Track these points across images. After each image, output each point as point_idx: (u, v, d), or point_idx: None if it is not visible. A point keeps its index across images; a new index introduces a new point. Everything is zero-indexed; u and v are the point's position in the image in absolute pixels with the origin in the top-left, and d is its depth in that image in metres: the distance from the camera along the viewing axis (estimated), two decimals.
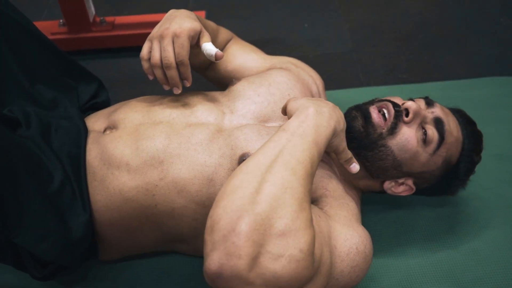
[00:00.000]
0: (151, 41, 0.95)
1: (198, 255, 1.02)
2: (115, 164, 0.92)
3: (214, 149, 0.92)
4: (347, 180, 1.02)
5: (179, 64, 0.93)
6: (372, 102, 0.99)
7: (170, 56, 0.92)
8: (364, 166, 0.98)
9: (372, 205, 1.17)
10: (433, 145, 0.96)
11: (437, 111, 0.97)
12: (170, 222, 0.93)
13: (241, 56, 1.18)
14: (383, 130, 0.94)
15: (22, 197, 0.80)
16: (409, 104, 0.94)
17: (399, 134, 0.94)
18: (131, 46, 1.67)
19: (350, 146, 0.93)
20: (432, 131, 0.95)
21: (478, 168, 1.09)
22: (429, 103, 0.99)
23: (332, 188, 0.92)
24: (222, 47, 1.19)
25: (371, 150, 0.95)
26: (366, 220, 1.01)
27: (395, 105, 0.95)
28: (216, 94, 1.06)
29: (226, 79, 1.16)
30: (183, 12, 0.99)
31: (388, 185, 1.02)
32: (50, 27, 1.66)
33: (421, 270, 1.04)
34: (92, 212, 0.92)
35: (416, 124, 0.95)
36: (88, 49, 1.67)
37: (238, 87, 1.04)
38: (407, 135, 0.94)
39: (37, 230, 0.83)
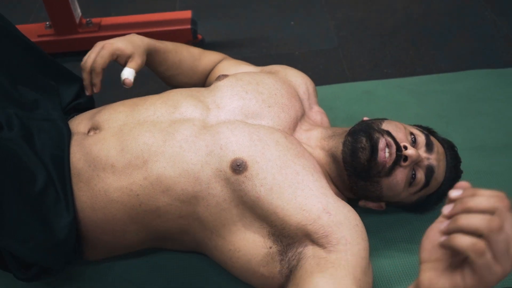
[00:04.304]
0: None
1: (184, 250, 1.03)
2: (101, 166, 0.91)
3: (201, 146, 0.91)
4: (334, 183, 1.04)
5: (92, 70, 1.05)
6: (381, 132, 0.97)
7: (87, 61, 1.06)
8: (351, 188, 1.02)
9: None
10: (416, 188, 1.00)
11: (432, 158, 0.99)
12: (155, 221, 0.93)
13: (233, 68, 1.22)
14: (382, 170, 0.95)
15: (3, 200, 0.80)
16: (410, 153, 0.94)
17: (393, 176, 0.96)
18: None
19: (346, 168, 0.98)
20: (421, 176, 0.99)
21: (462, 159, 1.11)
22: (429, 146, 1.00)
23: (335, 210, 0.88)
24: (209, 68, 1.28)
25: (364, 180, 0.98)
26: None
27: (398, 148, 0.95)
28: (202, 90, 1.05)
29: None
30: (132, 37, 1.12)
31: (362, 203, 1.07)
32: (37, 30, 1.66)
33: (407, 261, 1.05)
34: (77, 213, 0.92)
35: (410, 167, 0.97)
36: (75, 51, 1.67)
37: (225, 83, 1.04)
38: (399, 178, 0.96)
39: (19, 232, 0.82)
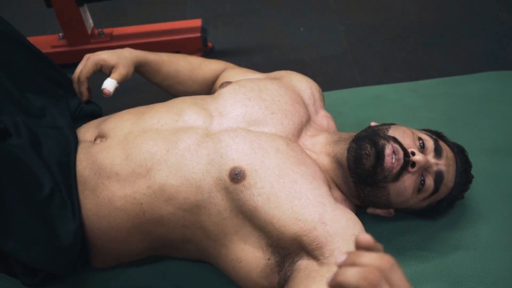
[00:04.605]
0: None
1: (189, 258, 1.03)
2: (105, 175, 0.92)
3: (202, 154, 0.91)
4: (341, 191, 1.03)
5: (77, 79, 1.12)
6: (387, 139, 0.95)
7: (75, 72, 1.12)
8: (358, 194, 1.00)
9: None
10: (425, 194, 0.98)
11: (442, 164, 0.97)
12: (159, 230, 0.93)
13: (238, 76, 1.21)
14: (389, 175, 0.94)
15: (9, 205, 0.81)
16: (418, 159, 0.92)
17: (400, 181, 0.94)
18: None
19: (352, 175, 0.96)
20: (430, 182, 0.97)
21: (474, 162, 1.08)
22: (438, 151, 0.98)
23: (332, 220, 0.86)
24: (210, 77, 1.28)
25: (370, 186, 0.96)
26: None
27: (405, 154, 0.93)
28: (206, 98, 1.05)
29: None
30: (121, 50, 1.16)
31: (371, 210, 1.05)
32: (51, 41, 1.70)
33: (416, 268, 1.03)
34: (83, 220, 0.92)
35: (418, 173, 0.95)
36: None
37: (228, 90, 1.04)
38: (407, 184, 0.94)
39: (25, 238, 0.83)
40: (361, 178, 0.95)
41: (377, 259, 0.49)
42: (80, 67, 1.12)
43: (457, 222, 1.12)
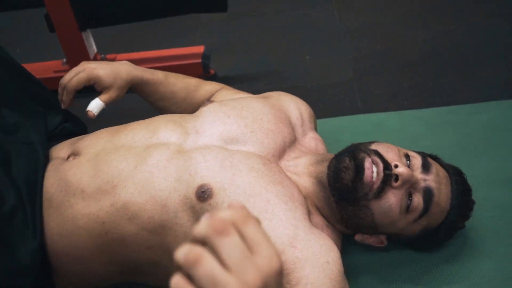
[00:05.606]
0: None
1: (161, 285, 0.96)
2: (71, 191, 0.89)
3: (171, 171, 0.87)
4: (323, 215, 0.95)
5: (65, 87, 1.05)
6: (368, 152, 0.90)
7: (65, 78, 1.06)
8: (341, 217, 0.92)
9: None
10: (415, 215, 0.90)
11: (430, 179, 0.90)
12: (123, 252, 0.88)
13: (228, 96, 1.18)
14: (369, 192, 0.87)
15: None
16: (401, 171, 0.86)
17: (384, 199, 0.87)
18: None
19: (332, 193, 0.90)
20: (418, 201, 0.89)
21: (482, 193, 1.00)
22: (426, 167, 0.91)
23: (302, 245, 0.80)
24: (205, 99, 1.21)
25: (352, 205, 0.89)
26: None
27: (386, 167, 0.87)
28: (185, 116, 1.02)
29: None
30: (120, 65, 1.11)
31: (359, 237, 0.97)
32: (54, 66, 1.71)
33: None
34: (46, 240, 0.88)
35: (404, 189, 0.88)
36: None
37: (209, 108, 1.01)
38: (391, 201, 0.87)
39: None
40: (342, 195, 0.88)
41: (231, 213, 0.44)
42: (71, 75, 1.06)
43: (457, 256, 1.02)
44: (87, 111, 1.06)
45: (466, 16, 1.89)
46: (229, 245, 0.42)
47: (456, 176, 0.96)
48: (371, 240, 0.97)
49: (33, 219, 0.87)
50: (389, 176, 0.86)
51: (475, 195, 0.99)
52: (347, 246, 0.99)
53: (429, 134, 1.35)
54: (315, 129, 1.14)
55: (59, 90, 1.08)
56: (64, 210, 0.88)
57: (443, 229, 0.95)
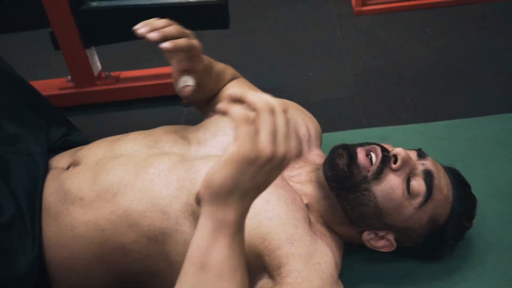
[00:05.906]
0: None
1: None
2: (70, 200, 0.89)
3: (172, 180, 0.88)
4: (326, 223, 0.95)
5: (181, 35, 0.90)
6: (361, 144, 0.94)
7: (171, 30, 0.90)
8: (344, 211, 0.92)
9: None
10: (419, 199, 0.89)
11: (428, 164, 0.92)
12: (121, 260, 0.88)
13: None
14: (368, 173, 0.88)
15: None
16: (398, 150, 0.88)
17: (385, 181, 0.88)
18: (136, 99, 1.71)
19: (331, 186, 0.90)
20: (419, 183, 0.89)
21: (484, 208, 1.00)
22: (421, 155, 0.94)
23: (299, 243, 0.82)
24: (224, 84, 1.17)
25: (353, 192, 0.89)
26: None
27: (383, 149, 0.90)
28: (188, 127, 1.03)
29: None
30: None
31: (367, 236, 0.95)
32: (59, 83, 1.73)
33: None
34: (44, 250, 0.89)
35: (404, 174, 0.89)
36: (94, 103, 1.71)
37: (212, 119, 1.02)
38: (393, 183, 0.88)
39: None
40: (340, 183, 0.89)
41: (261, 102, 0.60)
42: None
43: (460, 268, 1.02)
44: (184, 86, 0.91)
45: (464, 32, 1.91)
46: (280, 121, 0.61)
47: (452, 171, 0.98)
48: (380, 244, 0.95)
49: (32, 229, 0.88)
50: (387, 157, 0.88)
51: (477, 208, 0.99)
52: (351, 256, 1.00)
53: (429, 147, 1.31)
54: (320, 146, 1.14)
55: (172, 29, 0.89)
56: (62, 219, 0.89)
57: (451, 225, 0.93)
